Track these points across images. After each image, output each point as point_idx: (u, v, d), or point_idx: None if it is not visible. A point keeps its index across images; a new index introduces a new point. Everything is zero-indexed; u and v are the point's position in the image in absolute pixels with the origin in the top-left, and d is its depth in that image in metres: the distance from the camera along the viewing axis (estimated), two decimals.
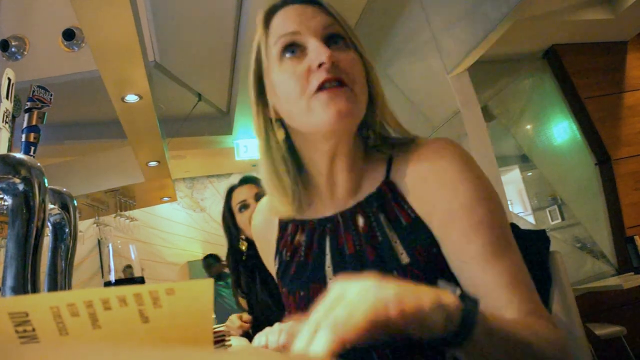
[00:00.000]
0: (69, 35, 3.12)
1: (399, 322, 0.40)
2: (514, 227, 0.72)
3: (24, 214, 0.76)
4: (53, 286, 0.99)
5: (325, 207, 0.77)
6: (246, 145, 5.11)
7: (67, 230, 1.00)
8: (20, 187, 0.75)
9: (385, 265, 0.67)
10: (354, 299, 0.41)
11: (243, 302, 1.83)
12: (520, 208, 4.25)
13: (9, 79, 0.91)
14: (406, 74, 3.43)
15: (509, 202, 3.78)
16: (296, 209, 0.77)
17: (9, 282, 0.74)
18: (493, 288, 0.61)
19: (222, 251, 4.71)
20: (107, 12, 2.02)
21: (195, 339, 0.36)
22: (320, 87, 0.66)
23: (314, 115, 0.67)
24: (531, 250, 0.75)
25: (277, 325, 0.73)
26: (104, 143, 4.30)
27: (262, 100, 0.74)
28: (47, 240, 0.97)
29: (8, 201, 0.76)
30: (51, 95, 0.96)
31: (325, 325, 0.39)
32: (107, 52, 2.33)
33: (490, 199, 0.66)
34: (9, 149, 0.88)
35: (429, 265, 0.66)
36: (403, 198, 0.70)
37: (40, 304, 0.33)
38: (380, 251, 0.68)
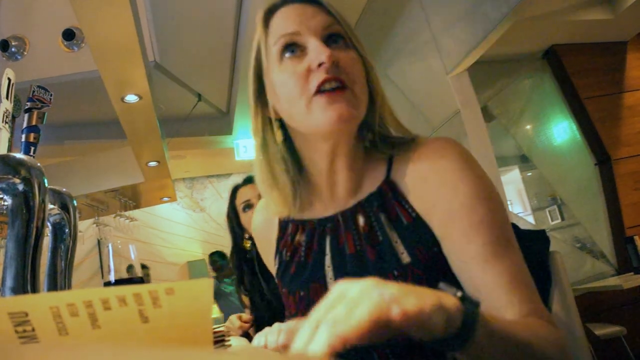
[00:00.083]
0: (68, 35, 3.12)
1: (400, 323, 0.39)
2: (513, 227, 0.72)
3: (24, 214, 0.76)
4: (53, 286, 0.99)
5: (326, 207, 0.76)
6: (246, 145, 5.11)
7: (66, 230, 1.00)
8: (20, 187, 0.75)
9: (386, 265, 0.67)
10: (355, 297, 0.40)
11: (246, 300, 1.84)
12: (520, 208, 4.25)
13: (9, 79, 0.91)
14: (406, 74, 3.43)
15: (508, 202, 3.78)
16: (295, 208, 0.77)
17: (9, 282, 0.74)
18: (493, 288, 0.61)
19: (222, 251, 4.71)
20: (107, 12, 2.02)
21: (194, 339, 0.36)
22: (320, 88, 0.66)
23: (314, 118, 0.67)
24: (531, 250, 0.75)
25: (276, 325, 0.73)
26: (104, 143, 4.30)
27: (261, 99, 0.74)
28: (47, 241, 0.97)
29: (8, 201, 0.76)
30: (51, 95, 0.96)
31: (326, 323, 0.39)
32: (107, 52, 2.32)
33: (490, 198, 0.65)
34: (9, 149, 0.88)
35: (430, 264, 0.66)
36: (404, 197, 0.70)
37: (40, 304, 0.33)
38: (380, 251, 0.68)
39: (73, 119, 4.16)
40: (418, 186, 0.69)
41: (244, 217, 1.79)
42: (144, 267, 5.09)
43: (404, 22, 3.28)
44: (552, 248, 0.83)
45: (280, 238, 0.82)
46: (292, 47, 0.69)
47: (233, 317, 1.75)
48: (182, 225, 6.52)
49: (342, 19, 0.71)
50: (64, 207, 0.99)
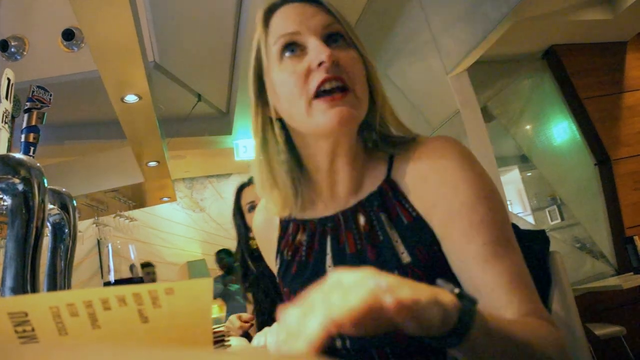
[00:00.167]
0: (68, 35, 3.12)
1: (394, 312, 0.39)
2: (513, 227, 0.72)
3: (24, 214, 0.76)
4: (52, 286, 0.99)
5: (326, 207, 0.76)
6: (246, 145, 5.11)
7: (66, 230, 1.00)
8: (20, 187, 0.75)
9: (386, 264, 0.67)
10: (350, 284, 0.40)
11: (250, 296, 1.84)
12: (519, 208, 4.25)
13: (9, 79, 0.91)
14: (406, 74, 3.43)
15: (508, 203, 3.78)
16: (296, 208, 0.77)
17: (9, 282, 0.74)
18: (493, 288, 0.61)
19: (228, 248, 4.69)
20: (107, 12, 2.02)
21: (194, 339, 0.36)
22: (321, 88, 0.66)
23: (315, 120, 0.67)
24: (531, 250, 0.75)
25: (276, 325, 0.73)
26: (104, 143, 4.30)
27: (261, 99, 0.74)
28: (47, 241, 0.97)
29: (7, 201, 0.76)
30: (50, 95, 0.96)
31: (320, 307, 0.39)
32: (107, 52, 2.32)
33: (491, 198, 0.65)
34: (9, 149, 0.88)
35: (430, 264, 0.66)
36: (404, 197, 0.70)
37: (40, 304, 0.33)
38: (381, 250, 0.68)
39: (73, 119, 4.16)
40: (418, 185, 0.69)
41: (249, 218, 1.79)
42: (150, 265, 5.06)
43: (404, 22, 3.28)
44: (552, 248, 0.83)
45: (281, 238, 0.82)
46: (292, 47, 0.69)
47: (233, 317, 1.75)
48: (182, 226, 6.52)
49: (342, 18, 0.71)
50: (64, 207, 0.99)
